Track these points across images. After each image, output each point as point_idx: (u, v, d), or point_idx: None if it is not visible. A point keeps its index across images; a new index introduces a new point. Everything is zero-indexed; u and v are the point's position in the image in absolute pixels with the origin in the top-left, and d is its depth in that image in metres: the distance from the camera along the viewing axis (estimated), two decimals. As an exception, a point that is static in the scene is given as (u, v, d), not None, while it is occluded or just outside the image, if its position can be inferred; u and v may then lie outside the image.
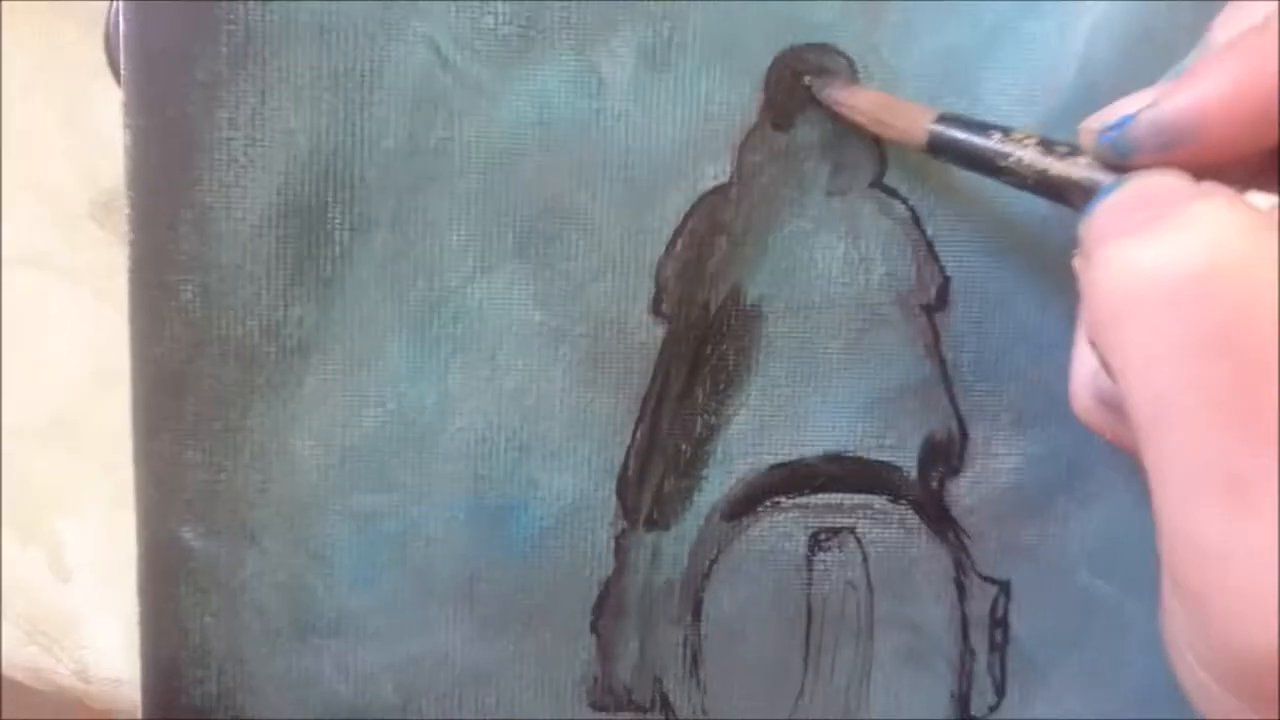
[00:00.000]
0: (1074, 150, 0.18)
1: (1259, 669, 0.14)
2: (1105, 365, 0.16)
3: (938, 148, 0.20)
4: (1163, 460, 0.15)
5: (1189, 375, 0.14)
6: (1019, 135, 0.18)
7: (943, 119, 0.20)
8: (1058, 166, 0.18)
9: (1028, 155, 0.18)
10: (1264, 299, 0.14)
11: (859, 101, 0.21)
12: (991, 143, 0.19)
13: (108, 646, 0.25)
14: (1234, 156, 0.16)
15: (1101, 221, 0.16)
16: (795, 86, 0.22)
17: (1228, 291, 0.14)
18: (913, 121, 0.20)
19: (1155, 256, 0.14)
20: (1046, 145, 0.18)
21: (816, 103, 0.22)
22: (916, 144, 0.20)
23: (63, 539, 0.25)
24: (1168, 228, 0.14)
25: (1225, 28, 0.18)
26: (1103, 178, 0.17)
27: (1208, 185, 0.16)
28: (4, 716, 0.25)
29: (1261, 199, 0.16)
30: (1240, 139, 0.16)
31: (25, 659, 0.25)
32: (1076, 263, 0.17)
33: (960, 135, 0.19)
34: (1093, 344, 0.16)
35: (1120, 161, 0.17)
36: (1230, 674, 0.15)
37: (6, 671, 0.25)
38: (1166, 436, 0.15)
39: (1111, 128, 0.17)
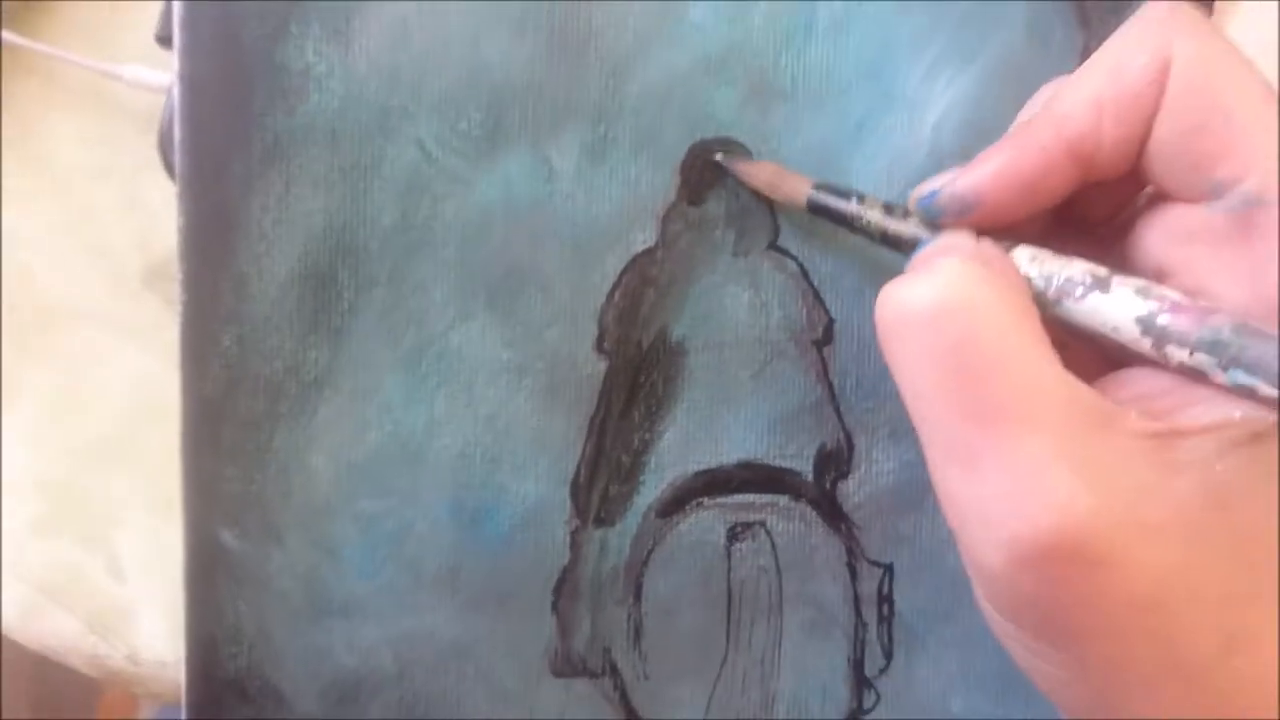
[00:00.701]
0: (907, 213, 0.23)
1: (997, 581, 0.19)
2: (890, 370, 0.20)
3: (814, 209, 0.25)
4: (924, 439, 0.20)
5: (930, 380, 0.19)
6: (870, 200, 0.24)
7: (818, 186, 0.25)
8: (894, 225, 0.23)
9: (874, 216, 0.23)
10: (979, 325, 0.19)
11: (756, 171, 0.26)
12: (850, 205, 0.24)
13: (155, 634, 0.29)
14: (1012, 219, 0.22)
15: (911, 266, 0.21)
16: (705, 170, 0.27)
17: (953, 321, 0.19)
18: (796, 188, 0.25)
19: (909, 294, 0.19)
20: (888, 208, 0.23)
21: (722, 183, 0.27)
22: (799, 206, 0.25)
23: (117, 545, 0.30)
24: (924, 274, 0.19)
25: (1022, 118, 0.24)
26: (923, 234, 0.22)
27: (983, 242, 0.21)
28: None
29: (1023, 252, 0.21)
30: (1011, 207, 0.21)
31: (87, 647, 0.29)
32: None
33: (830, 200, 0.24)
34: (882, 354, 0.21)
35: (934, 223, 0.22)
36: (986, 589, 0.20)
37: (70, 659, 0.30)
38: (923, 420, 0.19)
39: (925, 198, 0.22)
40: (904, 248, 0.23)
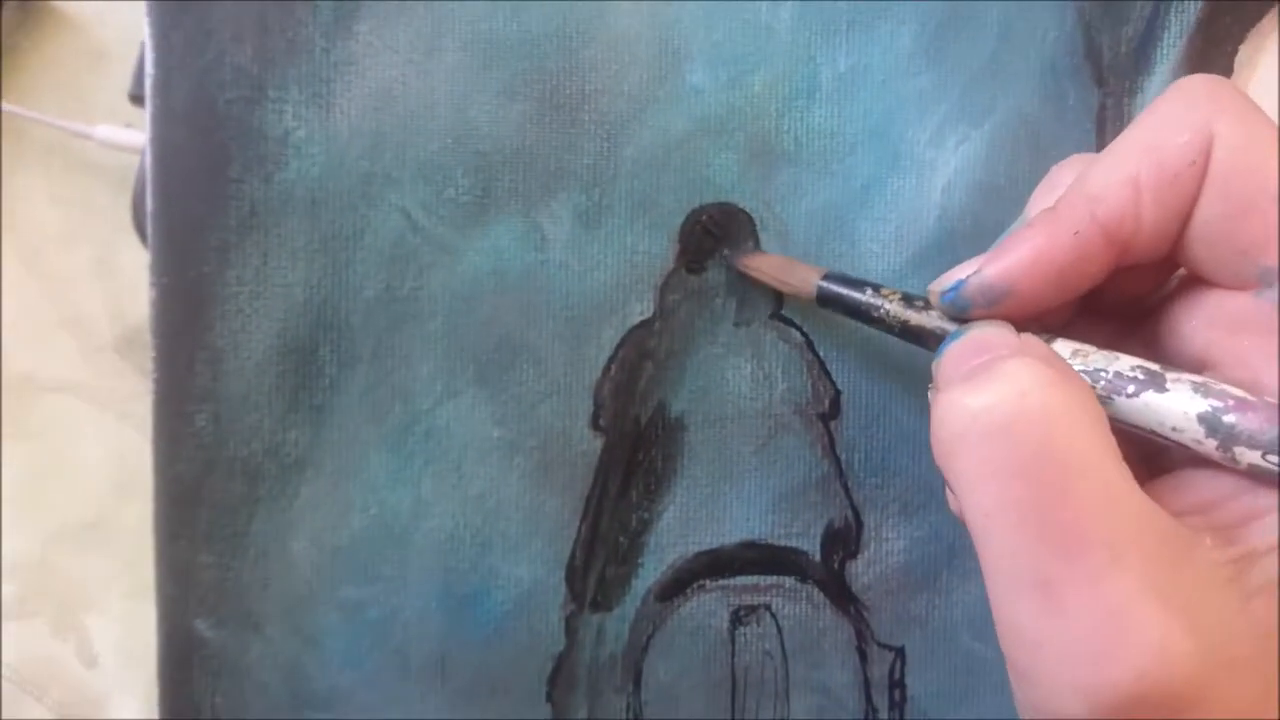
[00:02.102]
0: (928, 304, 0.21)
1: None
2: (948, 484, 0.18)
3: (824, 300, 0.23)
4: (990, 564, 0.17)
5: (1005, 497, 0.17)
6: (886, 291, 0.22)
7: (828, 277, 0.23)
8: (915, 318, 0.21)
9: (893, 308, 0.22)
10: (1055, 436, 0.17)
11: (762, 265, 0.25)
12: (865, 296, 0.22)
13: (128, 724, 0.28)
14: (1044, 307, 0.20)
15: (946, 365, 0.20)
16: (704, 237, 0.26)
17: (1030, 432, 0.17)
18: (804, 280, 0.23)
19: (977, 403, 0.17)
20: (907, 300, 0.22)
21: (723, 250, 0.26)
22: (808, 297, 0.23)
23: (89, 630, 0.28)
24: (987, 379, 0.18)
25: (1039, 198, 0.22)
26: (949, 326, 0.21)
27: (1026, 337, 0.19)
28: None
29: (1064, 346, 0.20)
30: (1044, 295, 0.20)
31: (57, 737, 0.28)
32: (930, 395, 0.20)
33: (842, 290, 0.23)
34: (939, 467, 0.19)
35: (960, 316, 0.21)
36: None
37: (39, 749, 0.28)
38: (992, 545, 0.17)
39: (949, 290, 0.20)
40: (927, 342, 0.21)
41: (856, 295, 0.22)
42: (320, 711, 0.26)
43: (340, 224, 0.25)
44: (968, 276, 0.20)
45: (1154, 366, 0.19)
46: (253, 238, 0.25)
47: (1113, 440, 0.18)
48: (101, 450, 0.29)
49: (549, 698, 0.26)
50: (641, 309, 0.26)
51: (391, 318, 0.25)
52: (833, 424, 0.26)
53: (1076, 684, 0.16)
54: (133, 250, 0.29)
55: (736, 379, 0.26)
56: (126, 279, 0.29)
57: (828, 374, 0.26)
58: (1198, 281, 0.20)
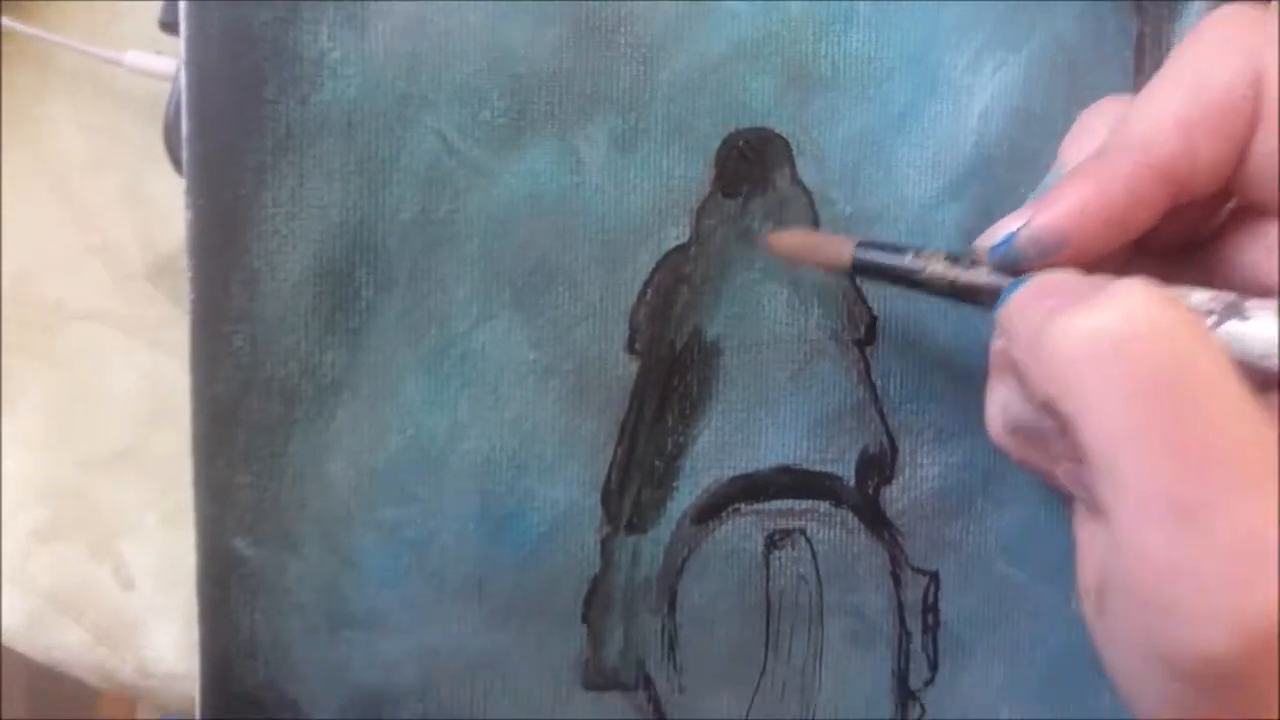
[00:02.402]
0: (973, 261, 0.21)
1: (1215, 665, 0.16)
2: (1063, 419, 0.18)
3: (861, 270, 0.23)
4: (1121, 488, 0.17)
5: (1133, 419, 0.16)
6: (928, 253, 0.22)
7: (862, 245, 0.22)
8: (965, 276, 0.21)
9: (939, 269, 0.21)
10: (1184, 353, 0.16)
11: (789, 242, 0.25)
12: (906, 261, 0.22)
13: (165, 646, 0.28)
14: (1098, 255, 0.20)
15: (1025, 307, 0.19)
16: (741, 163, 0.26)
17: (1158, 350, 0.16)
18: (838, 250, 0.23)
19: (1097, 322, 0.17)
20: (951, 259, 0.21)
21: (759, 175, 0.26)
22: (844, 268, 0.23)
23: (125, 553, 0.28)
24: (1102, 302, 0.17)
25: (1072, 146, 0.22)
26: (1003, 280, 0.20)
27: (1096, 277, 0.19)
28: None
29: None
30: (1098, 242, 0.20)
31: (95, 660, 0.28)
32: (996, 344, 0.20)
33: (880, 258, 0.22)
34: (1045, 405, 0.18)
35: (1012, 269, 0.20)
36: (1186, 672, 0.16)
37: (78, 672, 0.29)
38: (1120, 470, 0.16)
39: (999, 245, 0.20)
40: (981, 298, 0.21)
41: (896, 261, 0.22)
42: (357, 631, 0.26)
43: (376, 146, 0.25)
44: (1017, 229, 0.20)
45: (1230, 296, 0.19)
46: (288, 159, 0.25)
47: (1231, 361, 0.17)
48: (133, 377, 0.29)
49: (584, 618, 0.26)
50: (677, 233, 0.26)
51: (427, 240, 0.25)
52: (868, 349, 0.26)
53: (1220, 610, 0.16)
54: (163, 178, 0.29)
55: (772, 304, 0.26)
56: (157, 207, 0.29)
57: (864, 299, 0.26)
58: (1254, 212, 0.20)
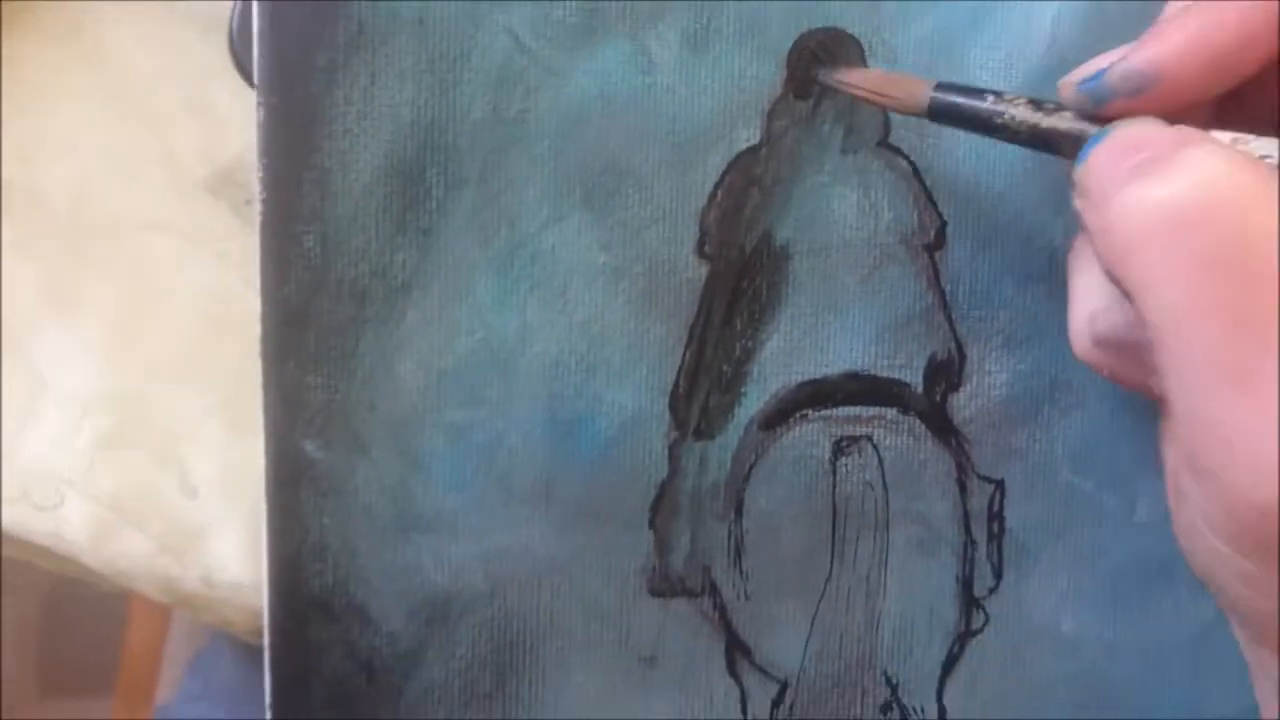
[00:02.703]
0: (1059, 107, 0.20)
1: (1265, 520, 0.16)
2: (1124, 289, 0.18)
3: (937, 113, 0.22)
4: (1180, 360, 0.17)
5: (1198, 288, 0.16)
6: (1010, 97, 0.21)
7: (940, 86, 0.22)
8: (1047, 120, 0.20)
9: (1020, 113, 0.21)
10: (1253, 223, 0.16)
11: (862, 80, 0.24)
12: (986, 104, 0.21)
13: (229, 555, 0.28)
14: (1192, 100, 0.19)
15: (1100, 164, 0.19)
16: (813, 63, 0.26)
17: (1223, 218, 0.16)
18: (913, 92, 0.23)
19: (1163, 194, 0.17)
20: (1035, 103, 0.21)
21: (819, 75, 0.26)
22: (919, 111, 0.22)
23: (189, 462, 0.28)
24: (1170, 170, 0.17)
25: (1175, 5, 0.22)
26: (1088, 128, 0.20)
27: (1182, 128, 0.18)
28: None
29: (1223, 136, 0.19)
30: (1195, 85, 0.19)
31: (160, 568, 0.28)
32: (1077, 203, 0.19)
33: (958, 100, 0.22)
34: (1110, 272, 0.18)
35: (1097, 109, 0.20)
36: (1240, 532, 0.17)
37: (142, 584, 0.29)
38: (1182, 340, 0.17)
39: (1090, 79, 0.20)
40: (1061, 147, 0.20)
41: (975, 103, 0.21)
42: (425, 534, 0.26)
43: (447, 44, 0.25)
44: (1111, 65, 0.19)
45: None
46: (360, 57, 0.25)
47: None
48: (196, 287, 0.29)
49: (651, 524, 0.26)
50: (748, 135, 0.25)
51: (498, 140, 0.25)
52: (937, 255, 0.26)
53: (1272, 465, 0.16)
54: (223, 90, 0.29)
55: (842, 208, 0.26)
56: (218, 118, 0.29)
57: (934, 204, 0.26)
58: None
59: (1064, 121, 0.20)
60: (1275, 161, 0.18)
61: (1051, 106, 0.21)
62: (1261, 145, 0.19)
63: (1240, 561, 0.18)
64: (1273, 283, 0.16)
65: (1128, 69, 0.19)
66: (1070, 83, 0.20)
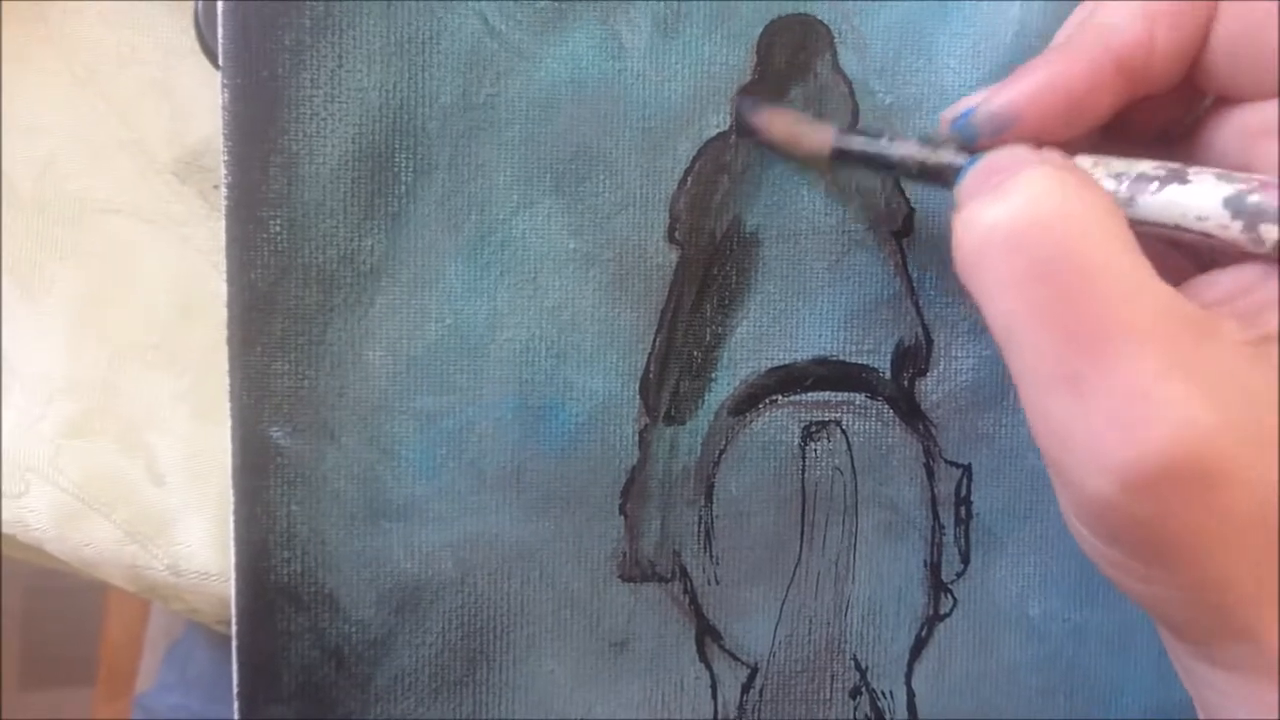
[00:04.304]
0: (945, 142, 0.21)
1: (1105, 508, 0.18)
2: (974, 300, 0.19)
3: (841, 156, 0.23)
4: (1018, 368, 0.18)
5: (1027, 301, 0.18)
6: (902, 137, 0.22)
7: (840, 132, 0.23)
8: (932, 156, 0.21)
9: (909, 152, 0.22)
10: (1072, 238, 0.17)
11: (773, 125, 0.25)
12: (881, 144, 0.22)
13: (196, 544, 0.28)
14: (1053, 139, 0.20)
15: (963, 190, 0.20)
16: (781, 49, 0.26)
17: (1045, 235, 0.17)
18: (819, 139, 0.24)
19: (994, 213, 0.18)
20: (923, 141, 0.22)
21: (801, 63, 0.26)
22: (823, 156, 0.23)
23: (156, 449, 0.28)
24: (1001, 192, 0.18)
25: (1061, 33, 0.22)
26: (963, 160, 0.21)
27: (1045, 153, 0.20)
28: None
29: (1085, 159, 0.20)
30: (1052, 126, 0.20)
31: (126, 558, 0.28)
32: (953, 223, 0.20)
33: (856, 143, 0.23)
34: (962, 286, 0.19)
35: (969, 146, 0.21)
36: (1089, 517, 0.19)
37: (108, 572, 0.28)
38: (1017, 347, 0.18)
39: (958, 118, 0.21)
40: (946, 179, 0.21)
41: (871, 145, 0.22)
42: (395, 522, 0.26)
43: (416, 26, 0.24)
44: (976, 105, 0.20)
45: (1175, 165, 0.19)
46: (327, 38, 0.24)
47: (1131, 237, 0.18)
48: (162, 273, 0.29)
49: (622, 509, 0.26)
50: (718, 121, 0.25)
51: (468, 125, 0.25)
52: (905, 242, 0.26)
53: (1107, 465, 0.17)
54: (190, 74, 0.29)
55: (811, 194, 0.26)
56: (183, 101, 0.29)
57: (901, 191, 0.26)
58: (1224, 101, 0.21)
59: (946, 155, 0.21)
60: (1135, 177, 0.19)
61: (938, 142, 0.22)
62: (1139, 164, 0.20)
63: (1102, 548, 0.19)
64: (1093, 292, 0.17)
65: (988, 112, 0.20)
66: (945, 119, 0.21)
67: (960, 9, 0.26)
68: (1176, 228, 0.19)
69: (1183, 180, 0.19)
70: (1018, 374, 0.18)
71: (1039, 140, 0.20)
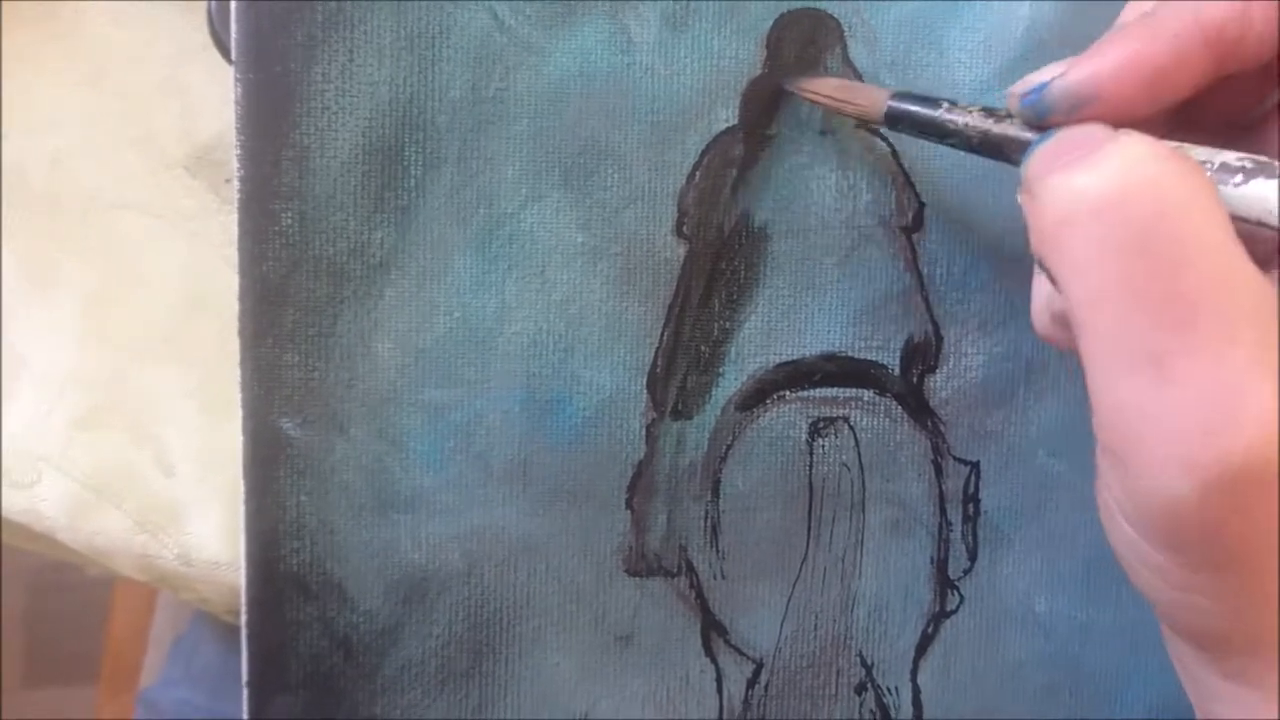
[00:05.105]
0: (1009, 115, 0.21)
1: (1176, 513, 0.16)
2: (1050, 275, 0.18)
3: (895, 119, 0.22)
4: (1097, 343, 0.17)
5: (1116, 273, 0.16)
6: (963, 105, 0.21)
7: (897, 95, 0.22)
8: (996, 128, 0.21)
9: (972, 120, 0.21)
10: (1169, 209, 0.16)
11: (821, 88, 0.24)
12: (940, 112, 0.22)
13: (206, 534, 0.28)
14: (1131, 117, 0.19)
15: (1040, 163, 0.19)
16: (793, 44, 0.26)
17: (1140, 205, 0.16)
18: (872, 100, 0.23)
19: (1084, 181, 0.17)
20: (986, 111, 0.21)
21: (811, 57, 0.26)
22: (877, 118, 0.23)
23: (166, 441, 0.28)
24: (1093, 160, 0.17)
25: (1133, 6, 0.22)
26: (1034, 135, 0.20)
27: (1124, 131, 0.18)
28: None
29: (1166, 145, 0.19)
30: (1132, 104, 0.19)
31: (137, 546, 0.28)
32: (1020, 199, 0.19)
33: (914, 107, 0.22)
34: (1039, 260, 0.18)
35: (1040, 122, 0.20)
36: (1148, 517, 0.17)
37: (119, 562, 0.29)
38: (1100, 323, 0.17)
39: (1030, 93, 0.20)
40: (1010, 153, 0.20)
41: (930, 111, 0.22)
42: (403, 513, 0.26)
43: (426, 22, 0.25)
44: (1051, 79, 0.20)
45: (1261, 157, 0.18)
46: (338, 34, 0.24)
47: (1227, 217, 0.17)
48: (173, 267, 0.29)
49: (628, 503, 0.26)
50: (727, 115, 0.25)
51: (477, 119, 0.25)
52: (915, 237, 0.26)
53: (1185, 458, 0.16)
54: (200, 71, 0.29)
55: (821, 189, 0.26)
56: (195, 98, 0.29)
57: (912, 186, 0.26)
58: None
59: (1012, 129, 0.21)
60: (1219, 167, 0.19)
61: (1002, 114, 0.21)
62: (1222, 154, 0.19)
63: (1149, 551, 0.18)
64: (1189, 269, 0.16)
65: (1065, 87, 0.19)
66: (1014, 94, 0.20)
67: (971, 4, 0.26)
68: (1260, 223, 0.18)
69: (1270, 174, 0.18)
70: (1095, 354, 0.17)
71: (1116, 119, 0.19)
